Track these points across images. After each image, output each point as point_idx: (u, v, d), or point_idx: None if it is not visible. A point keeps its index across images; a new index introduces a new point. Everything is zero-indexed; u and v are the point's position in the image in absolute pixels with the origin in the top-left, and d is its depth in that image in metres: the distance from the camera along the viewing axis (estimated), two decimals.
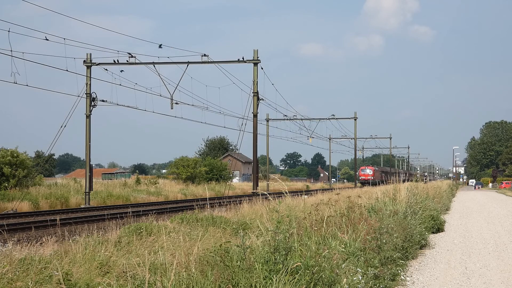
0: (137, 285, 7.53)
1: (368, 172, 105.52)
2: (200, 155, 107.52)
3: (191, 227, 12.76)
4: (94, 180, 44.26)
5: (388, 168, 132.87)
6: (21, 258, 8.36)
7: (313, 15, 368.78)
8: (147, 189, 53.08)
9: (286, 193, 14.56)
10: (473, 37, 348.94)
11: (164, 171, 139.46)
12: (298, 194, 24.82)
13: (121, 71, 37.17)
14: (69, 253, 9.40)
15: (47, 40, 30.75)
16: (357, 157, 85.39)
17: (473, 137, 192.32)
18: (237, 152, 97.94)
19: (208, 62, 38.44)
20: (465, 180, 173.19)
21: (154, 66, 38.47)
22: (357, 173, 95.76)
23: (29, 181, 43.42)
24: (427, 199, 25.74)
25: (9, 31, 27.36)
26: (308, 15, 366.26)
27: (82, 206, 36.43)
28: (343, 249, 10.88)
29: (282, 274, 7.83)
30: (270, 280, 7.74)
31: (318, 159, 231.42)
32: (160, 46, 36.88)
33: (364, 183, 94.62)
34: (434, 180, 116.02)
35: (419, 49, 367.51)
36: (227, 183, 63.21)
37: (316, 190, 41.47)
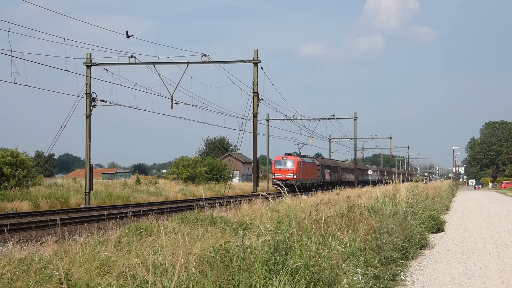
0: (137, 285, 7.53)
1: (288, 166, 61.19)
2: (200, 155, 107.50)
3: (191, 227, 12.76)
4: (94, 180, 44.25)
5: (343, 162, 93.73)
6: (21, 258, 8.36)
7: (314, 15, 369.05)
8: (147, 189, 53.05)
9: (285, 194, 14.56)
10: (474, 37, 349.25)
11: (164, 171, 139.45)
12: (298, 194, 24.80)
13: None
14: (69, 253, 9.40)
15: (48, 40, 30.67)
16: (357, 157, 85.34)
17: (473, 137, 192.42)
18: (237, 152, 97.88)
19: (208, 62, 38.46)
20: (465, 180, 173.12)
21: (154, 66, 38.49)
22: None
23: (29, 181, 43.40)
24: (427, 199, 25.72)
25: (9, 31, 27.37)
26: (309, 15, 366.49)
27: (82, 206, 36.42)
28: (343, 249, 10.88)
29: (282, 274, 7.83)
30: (270, 280, 7.73)
31: None
32: (127, 35, 33.37)
33: (280, 185, 57.53)
34: (434, 180, 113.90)
35: (420, 49, 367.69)
36: (227, 183, 63.20)
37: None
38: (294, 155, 63.44)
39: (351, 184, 74.99)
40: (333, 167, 79.59)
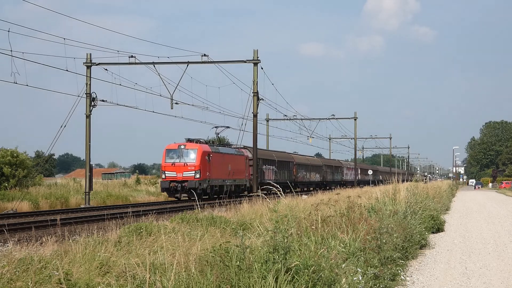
0: (136, 285, 7.54)
1: (187, 158, 40.57)
2: None
3: (191, 227, 12.78)
4: (94, 180, 44.24)
5: (300, 156, 68.46)
6: (21, 258, 8.36)
7: (314, 15, 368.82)
8: (147, 189, 53.03)
9: (284, 194, 14.56)
10: (474, 37, 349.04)
11: None
12: (298, 194, 24.86)
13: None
14: (69, 253, 9.41)
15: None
16: (357, 157, 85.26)
17: (473, 137, 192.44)
18: None
19: (208, 62, 38.46)
20: (465, 180, 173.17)
21: (154, 66, 38.49)
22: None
23: (29, 181, 43.43)
24: (427, 199, 25.72)
25: (9, 31, 27.42)
26: (309, 15, 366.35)
27: (82, 206, 36.41)
28: (343, 249, 10.88)
29: (279, 272, 7.82)
30: (268, 280, 7.72)
31: None
32: None
33: (173, 190, 40.46)
34: (434, 180, 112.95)
35: (420, 49, 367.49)
36: None
37: (316, 190, 41.49)
38: (201, 142, 42.26)
39: (316, 186, 64.91)
40: (281, 162, 57.63)
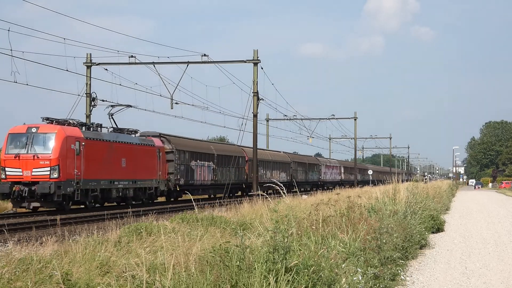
0: (136, 285, 7.54)
1: (40, 147, 27.04)
2: None
3: (191, 227, 12.77)
4: None
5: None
6: (21, 258, 8.36)
7: (314, 15, 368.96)
8: None
9: (285, 193, 14.56)
10: (474, 37, 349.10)
11: None
12: (298, 194, 24.85)
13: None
14: (69, 253, 9.42)
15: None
16: (357, 157, 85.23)
17: (473, 137, 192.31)
18: None
19: (208, 62, 38.49)
20: (465, 180, 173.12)
21: (154, 66, 38.51)
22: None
23: None
24: (427, 199, 25.71)
25: (9, 30, 27.47)
26: (309, 15, 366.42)
27: (82, 206, 36.37)
28: (343, 249, 10.88)
29: (279, 272, 7.82)
30: (268, 280, 7.73)
31: None
32: None
33: (19, 197, 26.33)
34: (434, 180, 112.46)
35: (420, 49, 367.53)
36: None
37: (316, 189, 41.50)
38: (69, 124, 29.36)
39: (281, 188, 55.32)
40: (224, 157, 45.25)
